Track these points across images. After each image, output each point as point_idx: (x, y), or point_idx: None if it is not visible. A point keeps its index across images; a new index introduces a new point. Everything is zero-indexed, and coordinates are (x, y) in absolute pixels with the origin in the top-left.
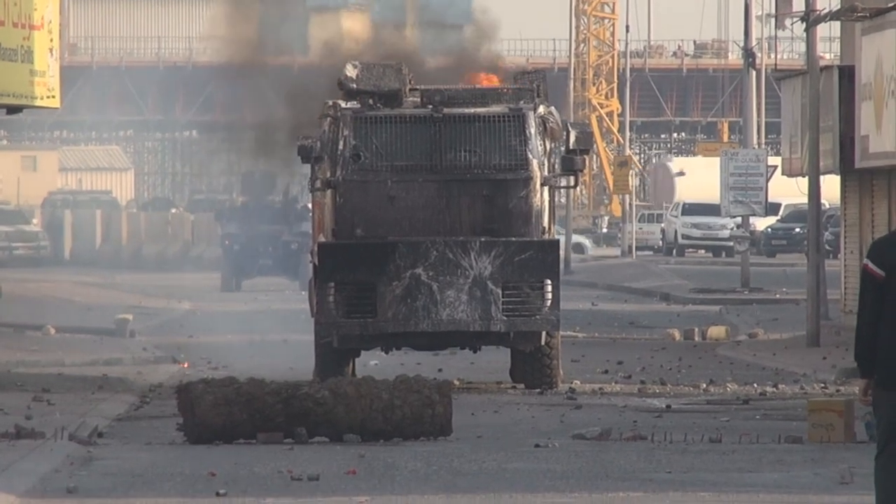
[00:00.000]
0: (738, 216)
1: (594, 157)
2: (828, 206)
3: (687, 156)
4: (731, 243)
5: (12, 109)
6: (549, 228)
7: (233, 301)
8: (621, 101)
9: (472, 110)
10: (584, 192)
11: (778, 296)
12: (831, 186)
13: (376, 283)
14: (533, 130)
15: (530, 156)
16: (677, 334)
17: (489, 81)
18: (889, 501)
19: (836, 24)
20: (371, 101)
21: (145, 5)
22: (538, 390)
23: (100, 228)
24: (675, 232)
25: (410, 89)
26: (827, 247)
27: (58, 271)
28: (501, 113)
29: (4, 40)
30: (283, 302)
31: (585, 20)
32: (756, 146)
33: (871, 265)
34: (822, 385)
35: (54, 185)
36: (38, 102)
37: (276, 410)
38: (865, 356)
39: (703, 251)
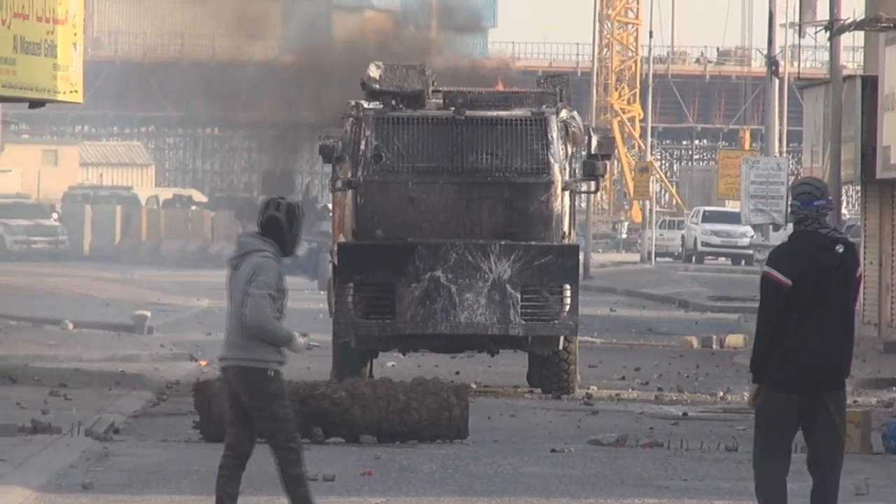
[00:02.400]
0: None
1: (615, 162)
2: (848, 216)
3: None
4: (751, 251)
5: (35, 103)
6: (570, 233)
7: None
8: (643, 106)
9: (494, 113)
10: (604, 197)
11: None
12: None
13: (395, 285)
14: (555, 134)
15: (552, 160)
16: (695, 342)
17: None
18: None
19: (860, 34)
20: (394, 102)
21: (169, 2)
22: (555, 395)
23: (119, 224)
24: (695, 239)
25: (433, 91)
26: None
27: (77, 266)
28: (524, 116)
29: (28, 34)
30: (301, 301)
31: (609, 25)
32: (777, 154)
33: (775, 273)
34: None
35: (75, 179)
36: (60, 97)
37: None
38: (762, 363)
39: (722, 259)
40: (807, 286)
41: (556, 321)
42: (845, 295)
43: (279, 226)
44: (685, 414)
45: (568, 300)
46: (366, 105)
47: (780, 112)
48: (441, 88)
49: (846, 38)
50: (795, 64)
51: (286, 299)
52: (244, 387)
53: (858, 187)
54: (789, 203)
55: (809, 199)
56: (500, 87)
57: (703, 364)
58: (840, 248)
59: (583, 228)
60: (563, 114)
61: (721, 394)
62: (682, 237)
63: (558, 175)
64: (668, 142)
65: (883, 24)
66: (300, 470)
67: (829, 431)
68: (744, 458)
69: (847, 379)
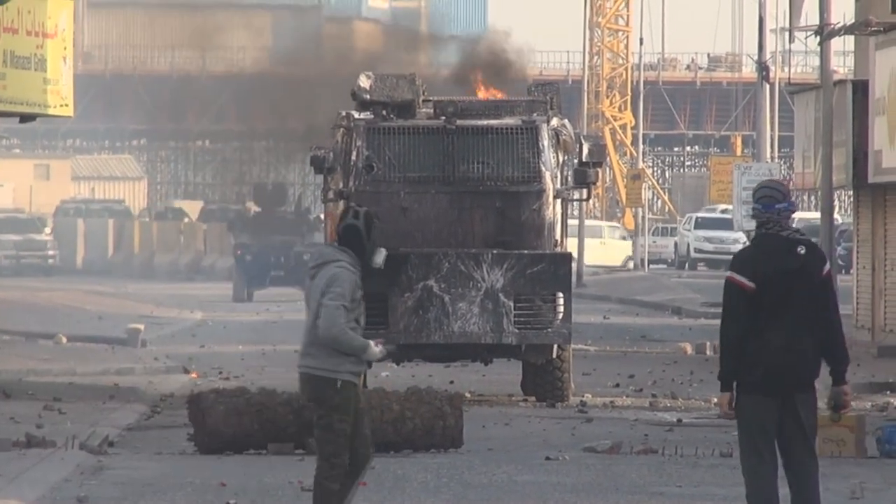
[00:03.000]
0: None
1: (607, 169)
2: (840, 221)
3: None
4: None
5: (25, 118)
6: (562, 241)
7: (244, 311)
8: (634, 113)
9: (485, 122)
10: (596, 204)
11: None
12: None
13: (388, 295)
14: (546, 143)
15: (543, 168)
16: (689, 348)
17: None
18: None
19: (850, 39)
20: (384, 112)
21: (159, 15)
22: (549, 403)
23: (112, 237)
24: (688, 246)
25: (424, 100)
26: (839, 262)
27: (70, 280)
28: (514, 125)
29: (18, 48)
30: (294, 312)
31: (599, 32)
32: (769, 160)
33: (738, 278)
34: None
35: (67, 193)
36: (51, 111)
37: (287, 421)
38: (731, 370)
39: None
40: (770, 288)
41: (549, 329)
42: (810, 295)
43: (358, 234)
44: (680, 420)
45: (561, 308)
46: (356, 115)
47: (772, 118)
48: (431, 98)
49: (836, 43)
50: (786, 69)
51: (362, 308)
52: (311, 393)
53: (851, 192)
54: (752, 207)
55: (771, 203)
56: (482, 91)
57: (697, 370)
58: (802, 250)
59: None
60: (554, 122)
61: (715, 400)
62: (675, 244)
63: (550, 183)
64: (659, 149)
65: (873, 28)
66: (335, 486)
67: (799, 435)
68: (738, 463)
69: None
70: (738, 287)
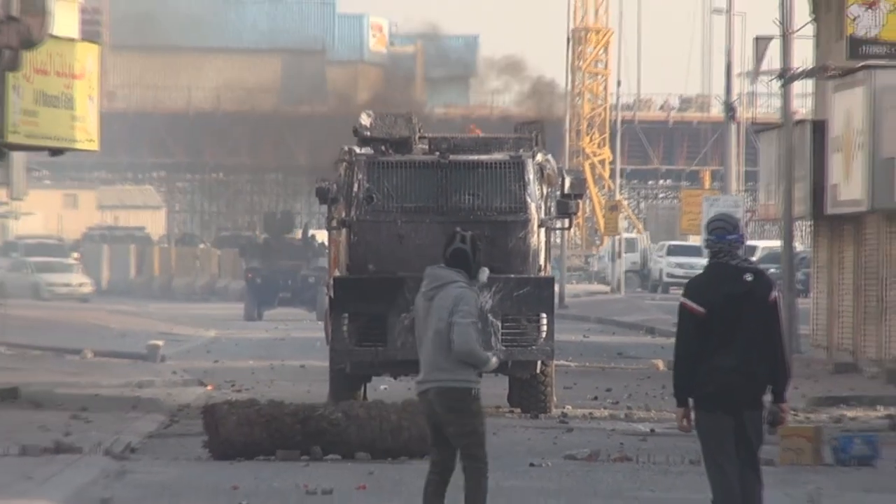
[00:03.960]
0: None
1: (587, 201)
2: (800, 249)
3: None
4: None
5: (55, 152)
6: (545, 266)
7: (255, 329)
8: (612, 150)
9: (475, 157)
10: (577, 233)
11: None
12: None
13: (387, 315)
14: (531, 176)
15: (529, 200)
16: (661, 364)
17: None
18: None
19: (810, 82)
20: (383, 148)
21: (177, 57)
22: (533, 414)
23: (134, 261)
24: (661, 271)
25: (419, 137)
26: (799, 286)
27: (95, 300)
28: (502, 160)
29: (48, 88)
30: (301, 331)
31: (580, 76)
32: (735, 193)
33: (690, 303)
34: (794, 412)
35: (93, 221)
36: (78, 145)
37: (293, 430)
38: (684, 388)
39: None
40: (719, 313)
41: (533, 347)
42: (757, 319)
43: (466, 256)
44: (652, 430)
45: (544, 327)
46: (358, 150)
47: (738, 154)
48: (427, 135)
49: (797, 86)
50: (751, 110)
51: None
52: (448, 405)
53: (810, 222)
54: (704, 238)
55: (723, 234)
56: (478, 133)
57: (668, 385)
58: (749, 277)
59: (558, 262)
60: (539, 157)
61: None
62: (649, 269)
63: (535, 214)
64: (635, 182)
65: (830, 73)
66: (487, 484)
67: (748, 449)
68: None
69: (764, 397)
70: (689, 311)
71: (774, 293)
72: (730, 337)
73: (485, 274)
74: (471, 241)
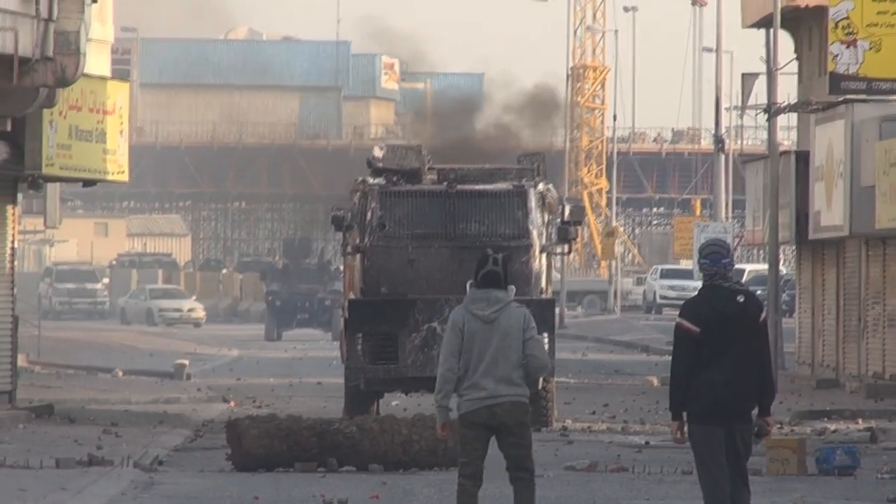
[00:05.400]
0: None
1: (585, 227)
2: (785, 271)
3: (664, 227)
4: None
5: (88, 183)
6: (546, 289)
7: (275, 349)
8: (609, 179)
9: (481, 187)
10: (576, 258)
11: None
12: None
13: (398, 334)
14: (533, 205)
15: (531, 227)
16: (655, 381)
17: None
18: None
19: (794, 116)
20: (395, 178)
21: (201, 94)
22: (535, 428)
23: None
24: (655, 293)
25: (429, 168)
26: (784, 307)
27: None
28: (506, 189)
29: (82, 123)
30: (317, 350)
31: (579, 110)
32: (724, 220)
33: (686, 323)
34: (779, 425)
35: (122, 248)
36: (109, 177)
37: (311, 443)
38: (679, 402)
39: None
40: (712, 332)
41: None
42: (748, 338)
43: (498, 277)
44: (647, 443)
45: (546, 346)
46: (371, 181)
47: (727, 183)
48: (435, 166)
49: (782, 119)
50: (739, 142)
51: None
52: (519, 418)
53: (794, 247)
54: (699, 261)
55: (718, 258)
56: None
57: (662, 400)
58: (741, 298)
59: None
60: (541, 187)
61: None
62: (644, 291)
63: (536, 240)
64: (630, 210)
65: (813, 107)
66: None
67: (736, 462)
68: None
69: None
70: (684, 331)
71: (764, 314)
72: (722, 354)
73: (512, 292)
74: (503, 263)
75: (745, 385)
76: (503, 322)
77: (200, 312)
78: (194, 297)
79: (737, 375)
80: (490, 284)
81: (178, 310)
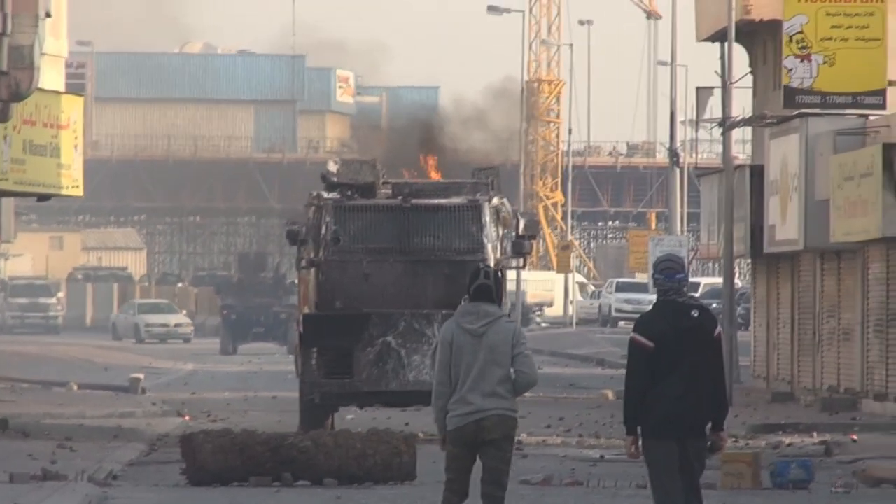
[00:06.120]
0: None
1: (541, 241)
2: (740, 285)
3: (619, 240)
4: None
5: (42, 197)
6: (501, 304)
7: (230, 363)
8: (564, 193)
9: (435, 201)
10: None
11: None
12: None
13: (353, 349)
14: (488, 219)
15: (485, 241)
16: (610, 394)
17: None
18: None
19: (749, 129)
20: (349, 193)
21: (157, 108)
22: None
23: (116, 299)
24: (610, 306)
25: (383, 182)
26: (739, 320)
27: (80, 336)
28: (461, 204)
29: (36, 138)
30: (273, 364)
31: (534, 124)
32: (679, 233)
33: (640, 338)
34: (734, 439)
35: (78, 262)
36: (64, 191)
37: (265, 457)
38: (633, 417)
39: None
40: (667, 346)
41: None
42: (703, 352)
43: (490, 291)
44: (602, 457)
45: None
46: (325, 195)
47: (681, 197)
48: (390, 180)
49: (736, 133)
50: (694, 155)
51: None
52: (504, 431)
53: (749, 260)
54: (653, 276)
55: (672, 273)
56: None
57: (617, 414)
58: (695, 313)
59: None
60: (495, 201)
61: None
62: (599, 305)
63: (491, 254)
64: (585, 223)
65: (767, 121)
66: None
67: (689, 477)
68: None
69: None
70: (639, 346)
71: (718, 329)
72: (676, 369)
73: (507, 308)
74: (494, 276)
75: (700, 400)
76: (491, 336)
77: (189, 327)
78: (184, 312)
79: (691, 390)
80: (481, 298)
81: (165, 325)
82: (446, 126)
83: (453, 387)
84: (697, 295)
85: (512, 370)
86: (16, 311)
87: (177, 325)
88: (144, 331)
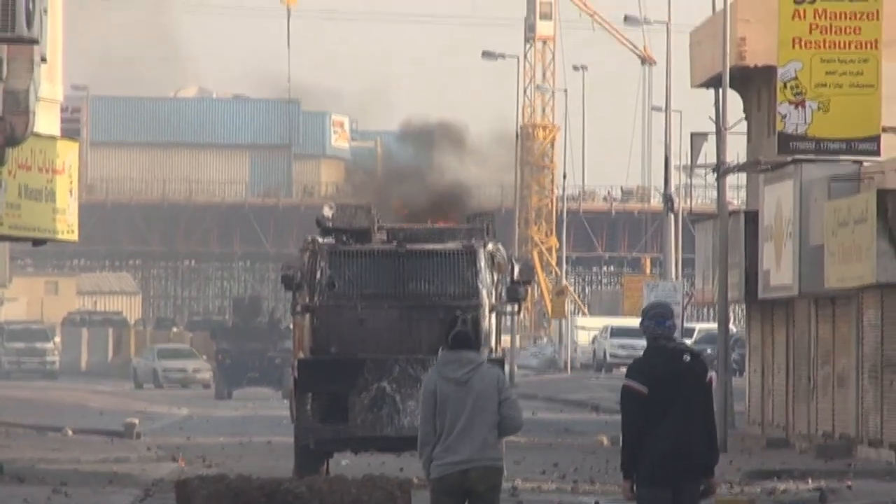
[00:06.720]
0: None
1: (535, 286)
2: (735, 330)
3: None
4: None
5: (37, 242)
6: (496, 348)
7: (225, 407)
8: (559, 238)
9: (430, 246)
10: (526, 316)
11: None
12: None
13: (347, 394)
14: (482, 264)
15: (480, 286)
16: (605, 440)
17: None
18: None
19: (743, 175)
20: (344, 238)
21: (152, 153)
22: None
23: (111, 344)
24: (605, 351)
25: (378, 227)
26: (734, 366)
27: (75, 381)
28: (455, 249)
29: (31, 183)
30: (268, 409)
31: (529, 169)
32: (674, 279)
33: (634, 384)
34: (729, 485)
35: (73, 306)
36: (59, 236)
37: (260, 503)
38: (631, 462)
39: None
40: (661, 391)
41: None
42: (694, 398)
43: (469, 339)
44: (597, 502)
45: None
46: (320, 240)
47: (676, 242)
48: (385, 225)
49: (731, 179)
50: (688, 201)
51: None
52: (493, 483)
53: (743, 306)
54: (643, 324)
55: (662, 320)
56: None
57: (612, 459)
58: (687, 358)
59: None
60: (490, 246)
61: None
62: (594, 350)
63: (486, 299)
64: (580, 268)
65: (762, 167)
66: None
67: None
68: None
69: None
70: (633, 392)
71: (710, 374)
72: (669, 414)
73: (485, 354)
74: (472, 323)
75: (692, 446)
76: (476, 383)
77: (207, 372)
78: (205, 358)
79: (684, 436)
80: (461, 345)
81: (183, 370)
82: (440, 170)
83: (438, 436)
84: (692, 340)
85: (500, 416)
86: (12, 356)
87: (195, 371)
88: (162, 376)
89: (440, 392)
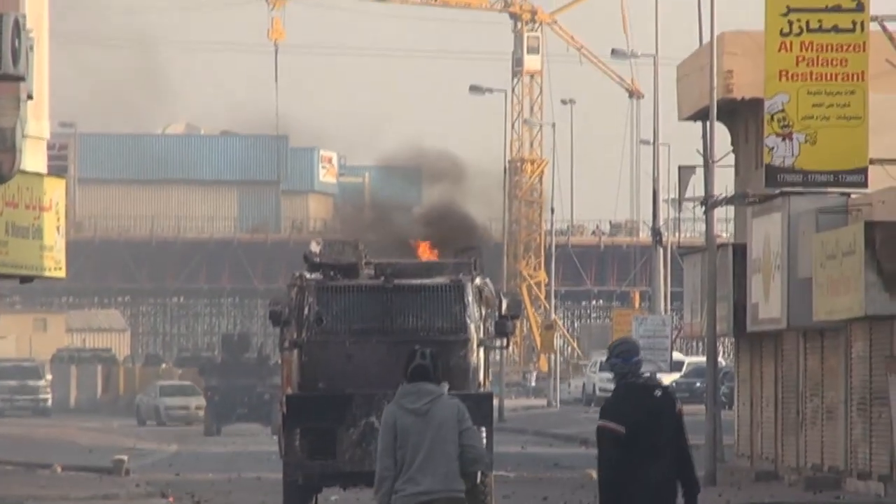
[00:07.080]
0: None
1: (524, 321)
2: (724, 364)
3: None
4: None
5: (25, 279)
6: (485, 383)
7: (214, 444)
8: (548, 272)
9: (418, 281)
10: (515, 350)
11: None
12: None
13: (336, 430)
14: (470, 299)
15: (468, 321)
16: (594, 474)
17: (429, 252)
18: None
19: (731, 208)
20: (332, 273)
21: (140, 189)
22: None
23: (101, 381)
24: (594, 385)
25: (366, 263)
26: (723, 399)
27: (64, 418)
28: (443, 283)
29: (18, 220)
30: (257, 445)
31: (517, 203)
32: (663, 312)
33: (610, 424)
34: None
35: (62, 343)
36: (47, 273)
37: None
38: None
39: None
40: (638, 428)
41: None
42: (670, 431)
43: (427, 372)
44: None
45: (484, 440)
46: (308, 276)
47: (665, 276)
48: (372, 261)
49: (719, 212)
50: (676, 234)
51: None
52: None
53: (732, 339)
54: (609, 361)
55: (629, 356)
56: (426, 250)
57: None
58: (658, 392)
59: (497, 378)
60: (478, 281)
61: None
62: (584, 384)
63: (474, 334)
64: (569, 302)
65: (750, 200)
66: None
67: None
68: None
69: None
70: (610, 433)
71: (679, 405)
72: (650, 450)
73: (445, 388)
74: (430, 357)
75: (669, 478)
76: (437, 414)
77: None
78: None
79: (666, 470)
80: (419, 378)
81: (185, 407)
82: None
83: (399, 469)
84: (681, 373)
85: (460, 445)
86: (5, 394)
87: (197, 408)
88: (165, 413)
89: (400, 425)
